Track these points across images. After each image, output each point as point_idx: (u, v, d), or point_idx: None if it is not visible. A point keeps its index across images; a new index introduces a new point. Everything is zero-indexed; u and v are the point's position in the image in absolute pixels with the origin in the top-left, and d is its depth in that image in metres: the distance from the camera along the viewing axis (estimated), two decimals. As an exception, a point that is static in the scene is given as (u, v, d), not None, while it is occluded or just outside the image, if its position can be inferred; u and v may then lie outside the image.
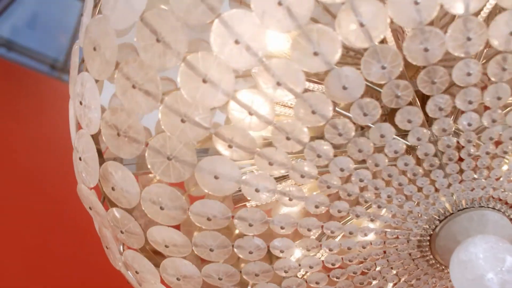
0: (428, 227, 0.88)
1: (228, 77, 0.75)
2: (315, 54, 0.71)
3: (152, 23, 0.75)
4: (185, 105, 0.77)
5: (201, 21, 0.73)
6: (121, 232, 0.93)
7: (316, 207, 0.84)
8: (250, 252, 0.89)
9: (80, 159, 0.92)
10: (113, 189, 0.88)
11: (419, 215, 0.87)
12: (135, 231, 0.91)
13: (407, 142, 0.79)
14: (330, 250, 0.90)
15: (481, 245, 0.81)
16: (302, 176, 0.81)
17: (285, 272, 0.92)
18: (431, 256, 0.92)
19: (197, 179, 0.82)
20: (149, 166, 0.82)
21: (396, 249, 0.91)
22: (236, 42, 0.72)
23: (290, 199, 0.83)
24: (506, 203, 0.87)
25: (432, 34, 0.70)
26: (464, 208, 0.87)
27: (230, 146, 0.79)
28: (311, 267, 0.92)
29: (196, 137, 0.79)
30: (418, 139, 0.78)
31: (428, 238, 0.90)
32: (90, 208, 0.99)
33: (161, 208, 0.85)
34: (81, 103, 0.87)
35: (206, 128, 0.78)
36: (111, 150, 0.86)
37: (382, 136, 0.78)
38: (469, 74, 0.73)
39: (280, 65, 0.74)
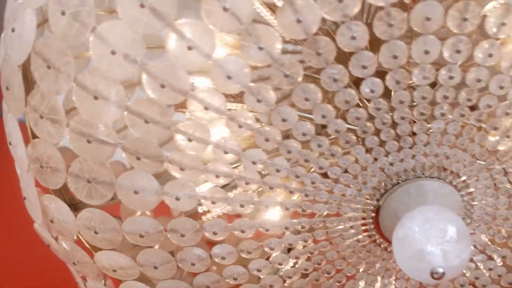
0: (367, 208, 0.81)
1: (116, 89, 0.73)
2: (189, 48, 0.68)
3: (41, 51, 0.75)
4: (87, 125, 0.76)
5: (80, 40, 0.73)
6: (74, 263, 0.91)
7: (241, 206, 0.79)
8: (193, 264, 0.85)
9: (24, 198, 0.92)
10: (52, 221, 0.87)
11: (354, 198, 0.80)
12: (84, 260, 0.90)
13: (314, 121, 0.73)
14: (272, 249, 0.84)
15: (417, 218, 0.74)
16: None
17: (234, 279, 0.87)
18: (382, 240, 0.84)
19: (120, 197, 0.80)
20: (73, 192, 0.81)
21: (342, 238, 0.85)
22: (113, 52, 0.70)
23: (213, 202, 0.79)
24: (445, 169, 0.79)
25: (302, 4, 0.65)
26: (399, 182, 0.79)
27: (138, 158, 0.76)
28: (259, 270, 0.86)
29: (106, 155, 0.78)
30: (323, 116, 0.73)
31: (372, 220, 0.83)
32: (48, 245, 0.98)
33: (96, 233, 0.83)
34: (10, 143, 0.88)
35: (112, 144, 0.76)
36: (41, 183, 0.85)
37: (284, 120, 0.73)
38: (353, 38, 0.67)
39: (163, 69, 0.71)
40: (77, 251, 0.90)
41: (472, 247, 0.87)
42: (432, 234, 0.72)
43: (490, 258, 0.89)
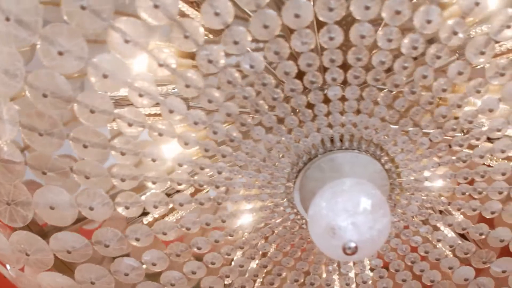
0: (286, 192, 0.76)
1: (7, 107, 0.71)
2: (60, 53, 0.66)
3: None
4: (-11, 148, 0.75)
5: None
6: (23, 290, 0.90)
7: (155, 207, 0.76)
8: (126, 274, 0.82)
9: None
10: (-7, 251, 0.86)
11: (268, 183, 0.75)
12: (31, 284, 0.88)
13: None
14: (199, 248, 0.80)
15: (325, 194, 0.68)
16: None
17: (172, 285, 0.82)
18: (310, 223, 0.78)
19: (40, 215, 0.78)
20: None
21: (269, 228, 0.79)
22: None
23: (127, 207, 0.76)
24: (362, 138, 0.73)
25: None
26: (310, 159, 0.74)
27: (44, 173, 0.74)
28: (194, 273, 0.82)
29: (17, 175, 0.76)
30: (209, 101, 0.69)
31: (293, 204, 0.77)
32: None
33: (27, 255, 0.82)
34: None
35: (18, 162, 0.75)
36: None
37: (171, 111, 0.69)
38: (217, 14, 0.63)
39: (42, 78, 0.69)
40: (23, 277, 0.89)
41: (398, 218, 0.79)
42: (339, 208, 0.66)
43: (437, 228, 0.81)
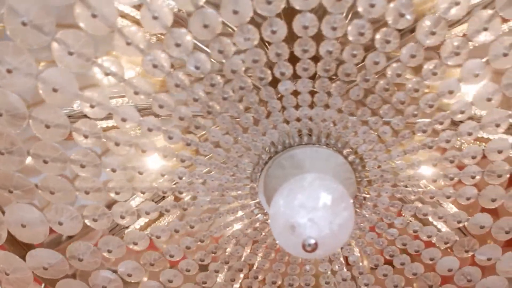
0: (252, 192, 0.74)
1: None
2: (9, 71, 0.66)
3: None
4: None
5: None
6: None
7: (122, 217, 0.75)
8: (104, 287, 0.81)
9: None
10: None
11: (232, 185, 0.73)
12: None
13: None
14: (172, 256, 0.78)
15: (283, 192, 0.66)
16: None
17: (149, 295, 0.81)
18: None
19: (13, 234, 0.78)
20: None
21: (241, 232, 0.77)
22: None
23: (95, 220, 0.75)
24: (320, 132, 0.70)
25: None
26: (271, 157, 0.72)
27: (10, 191, 0.74)
28: (170, 281, 0.80)
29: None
30: (160, 106, 0.67)
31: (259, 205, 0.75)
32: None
33: (6, 274, 0.82)
34: None
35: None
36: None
37: (124, 120, 0.68)
38: (155, 18, 0.62)
39: None
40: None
41: (370, 211, 0.76)
42: (297, 205, 0.64)
43: (418, 219, 0.78)
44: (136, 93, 0.67)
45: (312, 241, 0.62)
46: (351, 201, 0.66)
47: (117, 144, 0.70)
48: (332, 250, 0.66)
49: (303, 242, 0.63)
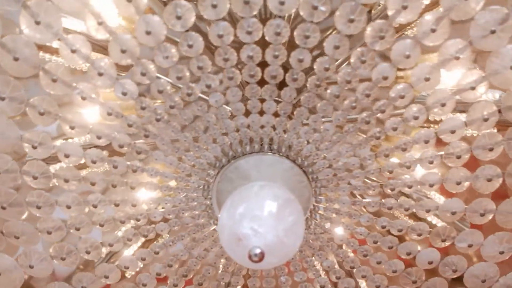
0: (207, 210, 0.72)
1: None
2: None
3: None
4: None
5: None
6: None
7: (87, 252, 0.74)
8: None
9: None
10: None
11: (187, 206, 0.72)
12: None
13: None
14: (144, 285, 0.77)
15: (228, 203, 0.64)
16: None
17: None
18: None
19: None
20: None
21: (207, 250, 0.75)
22: None
23: (63, 258, 0.75)
24: (261, 138, 0.68)
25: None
26: (218, 172, 0.70)
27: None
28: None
29: None
30: (109, 114, 0.66)
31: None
32: None
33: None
34: None
35: None
36: None
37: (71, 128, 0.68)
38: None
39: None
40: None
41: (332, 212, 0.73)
42: (239, 216, 0.61)
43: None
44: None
45: (258, 251, 0.60)
46: (297, 205, 0.64)
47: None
48: (285, 258, 0.63)
49: (249, 253, 0.60)
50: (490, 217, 0.71)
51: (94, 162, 0.69)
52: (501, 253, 0.74)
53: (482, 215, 0.71)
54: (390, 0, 0.60)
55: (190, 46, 0.62)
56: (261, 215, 0.61)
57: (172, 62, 0.63)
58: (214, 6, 0.60)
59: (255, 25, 0.61)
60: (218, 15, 0.60)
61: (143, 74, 0.63)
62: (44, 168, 0.70)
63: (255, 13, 0.61)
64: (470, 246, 0.74)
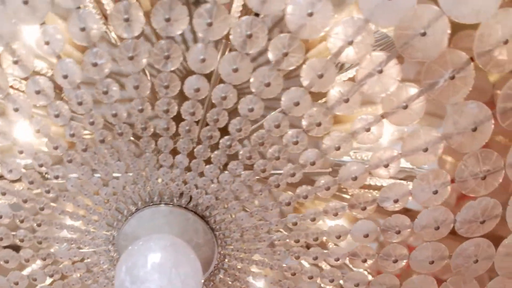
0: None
1: None
2: None
3: None
4: None
5: None
6: None
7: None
8: None
9: None
10: None
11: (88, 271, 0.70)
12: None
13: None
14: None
15: (119, 262, 0.62)
16: None
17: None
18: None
19: None
20: None
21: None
22: None
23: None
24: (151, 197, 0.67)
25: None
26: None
27: None
28: None
29: None
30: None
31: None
32: None
33: None
34: None
35: None
36: None
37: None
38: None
39: None
40: None
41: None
42: (123, 273, 0.60)
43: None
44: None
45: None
46: (190, 256, 0.62)
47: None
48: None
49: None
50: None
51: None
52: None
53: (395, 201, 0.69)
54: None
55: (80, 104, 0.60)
56: (149, 267, 0.59)
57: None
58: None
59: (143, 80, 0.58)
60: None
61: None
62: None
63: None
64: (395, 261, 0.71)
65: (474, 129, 0.59)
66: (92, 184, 0.65)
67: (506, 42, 0.56)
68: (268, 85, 0.57)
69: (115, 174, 0.65)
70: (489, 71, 0.58)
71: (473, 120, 0.58)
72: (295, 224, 0.67)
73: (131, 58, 0.56)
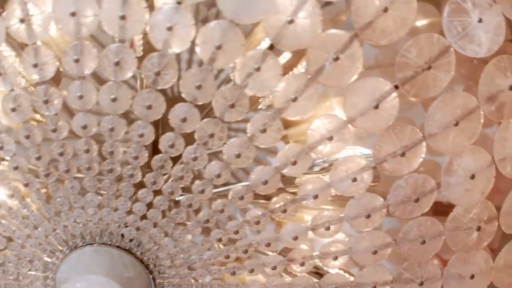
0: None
1: None
2: None
3: None
4: None
5: None
6: None
7: None
8: None
9: None
10: None
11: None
12: None
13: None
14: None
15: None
16: None
17: None
18: None
19: None
20: None
21: None
22: None
23: None
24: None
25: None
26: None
27: None
28: None
29: None
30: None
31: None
32: None
33: None
34: None
35: None
36: None
37: None
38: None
39: None
40: None
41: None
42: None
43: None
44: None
45: None
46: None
47: None
48: None
49: None
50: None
51: None
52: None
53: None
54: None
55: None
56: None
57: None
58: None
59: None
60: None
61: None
62: None
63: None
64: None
65: (376, 107, 0.55)
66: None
67: (385, 10, 0.53)
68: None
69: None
70: (377, 43, 0.55)
71: (372, 97, 0.55)
72: (219, 240, 0.64)
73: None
